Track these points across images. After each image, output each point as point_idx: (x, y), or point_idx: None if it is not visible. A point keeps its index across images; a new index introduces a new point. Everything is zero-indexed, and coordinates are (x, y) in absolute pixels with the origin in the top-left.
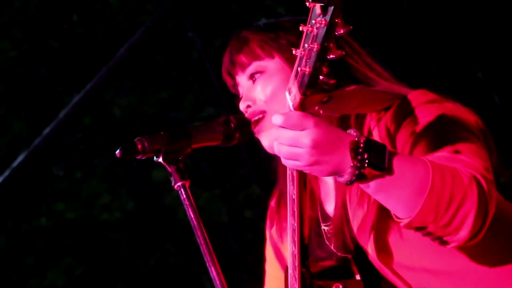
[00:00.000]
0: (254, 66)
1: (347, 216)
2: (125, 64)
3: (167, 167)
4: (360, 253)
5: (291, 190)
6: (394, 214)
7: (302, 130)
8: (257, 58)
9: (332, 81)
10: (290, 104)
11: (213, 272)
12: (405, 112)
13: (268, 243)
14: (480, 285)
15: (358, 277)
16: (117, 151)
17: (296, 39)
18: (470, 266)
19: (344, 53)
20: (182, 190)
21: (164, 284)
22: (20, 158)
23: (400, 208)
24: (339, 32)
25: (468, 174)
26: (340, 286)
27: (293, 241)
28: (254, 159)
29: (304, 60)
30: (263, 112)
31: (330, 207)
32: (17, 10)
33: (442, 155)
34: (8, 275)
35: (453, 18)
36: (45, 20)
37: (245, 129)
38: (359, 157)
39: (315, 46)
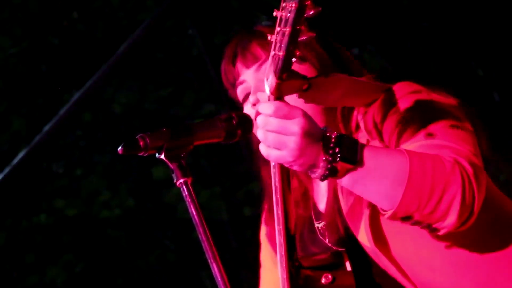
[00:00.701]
0: None
1: (339, 207)
2: (125, 61)
3: (169, 164)
4: (353, 244)
5: (274, 178)
6: (379, 207)
7: (291, 119)
8: None
9: (303, 64)
10: (267, 89)
11: (215, 269)
12: (390, 103)
13: (264, 248)
14: (477, 279)
15: (349, 268)
16: (119, 148)
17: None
18: (466, 259)
19: (314, 34)
20: (184, 187)
21: (163, 281)
22: (20, 155)
23: (381, 200)
24: (308, 14)
25: (451, 160)
26: (330, 276)
27: (279, 230)
28: (254, 156)
29: (278, 45)
30: None
31: (323, 205)
32: (17, 7)
33: (427, 143)
34: (8, 272)
35: (453, 16)
36: (45, 17)
37: (247, 125)
38: (330, 151)
39: (287, 30)
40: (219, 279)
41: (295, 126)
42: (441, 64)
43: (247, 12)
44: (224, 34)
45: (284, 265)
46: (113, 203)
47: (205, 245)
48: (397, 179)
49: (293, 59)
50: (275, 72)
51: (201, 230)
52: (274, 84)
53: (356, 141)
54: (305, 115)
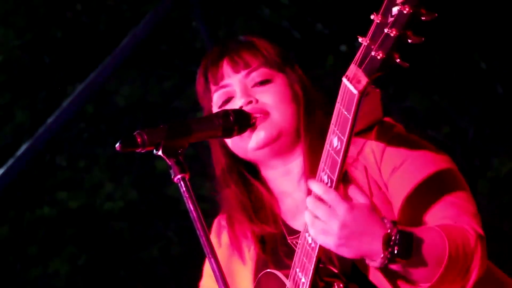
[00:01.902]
0: (261, 72)
1: None
2: (128, 53)
3: (167, 160)
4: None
5: None
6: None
7: (335, 209)
8: (267, 65)
9: (406, 65)
10: (352, 88)
11: (213, 264)
12: (390, 136)
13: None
14: None
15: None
16: (117, 144)
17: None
18: None
19: (423, 38)
20: (181, 182)
21: (166, 273)
22: (23, 147)
23: (419, 279)
24: (424, 18)
25: (474, 235)
26: (341, 285)
27: (307, 245)
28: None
29: (374, 47)
30: (267, 113)
31: (296, 223)
32: None
33: (448, 214)
34: (11, 264)
35: (456, 8)
36: (48, 9)
37: (244, 122)
38: (389, 249)
39: (393, 32)
40: (217, 273)
41: (335, 221)
42: (444, 56)
43: (251, 5)
44: (228, 26)
45: (313, 267)
46: (116, 196)
47: (203, 240)
48: (437, 262)
49: (398, 60)
50: (368, 71)
51: (199, 225)
52: (365, 83)
53: (411, 237)
54: (352, 209)
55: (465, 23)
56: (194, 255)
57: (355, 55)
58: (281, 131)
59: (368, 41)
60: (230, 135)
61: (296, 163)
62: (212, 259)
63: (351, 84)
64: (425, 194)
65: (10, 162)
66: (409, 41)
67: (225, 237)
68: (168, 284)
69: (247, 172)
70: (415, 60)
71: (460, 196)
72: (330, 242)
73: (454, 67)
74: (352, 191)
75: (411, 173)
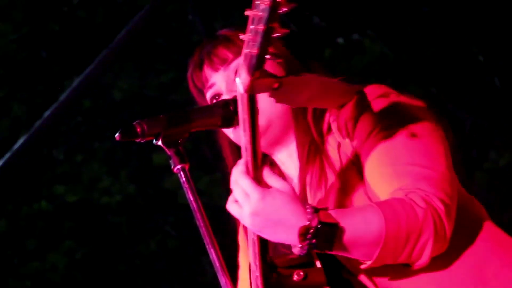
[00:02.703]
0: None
1: (306, 200)
2: (125, 47)
3: (167, 150)
4: None
5: None
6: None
7: (249, 195)
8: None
9: (278, 60)
10: (241, 87)
11: (213, 254)
12: (362, 106)
13: (242, 249)
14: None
15: (318, 264)
16: (116, 134)
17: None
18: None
19: (288, 31)
20: (181, 173)
21: (164, 267)
22: (20, 141)
23: (356, 258)
24: (282, 11)
25: (424, 206)
26: (301, 273)
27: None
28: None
29: (251, 43)
30: None
31: None
32: None
33: (403, 185)
34: (9, 258)
35: (454, 1)
36: (45, 3)
37: None
38: (307, 242)
39: (261, 27)
40: (217, 264)
41: (247, 207)
42: (442, 49)
43: None
44: (224, 19)
45: (258, 263)
46: (114, 189)
47: (203, 231)
48: (374, 242)
49: (267, 56)
50: (248, 69)
51: (199, 216)
52: (247, 82)
53: (334, 228)
54: (264, 198)
55: (463, 16)
56: (192, 249)
57: (351, 48)
58: (270, 118)
59: (247, 37)
60: (229, 125)
61: None
62: (212, 250)
63: (240, 83)
64: (386, 164)
65: (7, 156)
66: (277, 34)
67: None
68: (166, 277)
69: None
70: (413, 53)
71: (425, 165)
72: (248, 226)
73: (452, 59)
74: (268, 177)
75: (376, 142)
